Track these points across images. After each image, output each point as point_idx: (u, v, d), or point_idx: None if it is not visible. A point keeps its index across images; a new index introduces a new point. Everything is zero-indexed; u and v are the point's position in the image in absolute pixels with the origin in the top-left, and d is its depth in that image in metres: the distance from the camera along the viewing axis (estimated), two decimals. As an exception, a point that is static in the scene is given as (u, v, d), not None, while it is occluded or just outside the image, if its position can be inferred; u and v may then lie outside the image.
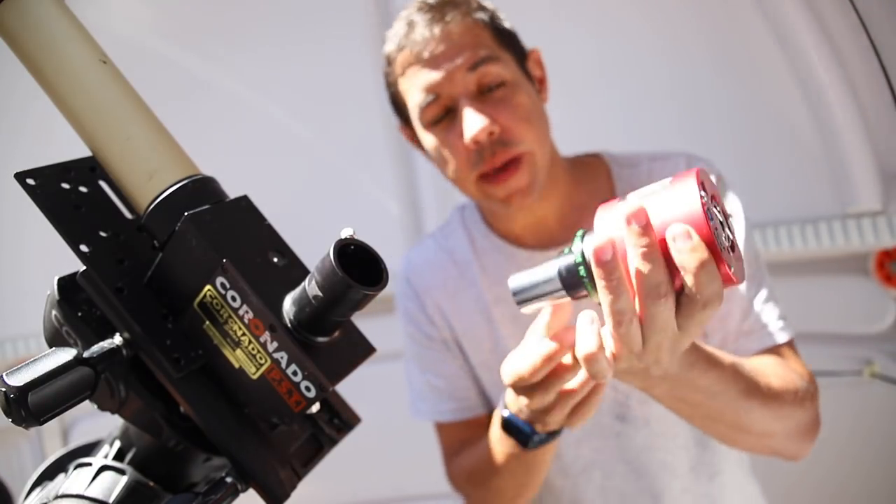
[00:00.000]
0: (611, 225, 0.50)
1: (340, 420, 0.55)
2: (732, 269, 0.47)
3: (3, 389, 0.37)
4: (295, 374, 0.43)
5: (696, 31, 1.43)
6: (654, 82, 1.46)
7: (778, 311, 0.86)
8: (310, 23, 1.60)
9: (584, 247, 0.52)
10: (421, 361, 1.01)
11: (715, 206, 0.48)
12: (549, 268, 0.55)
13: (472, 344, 0.98)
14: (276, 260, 0.48)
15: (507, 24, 0.89)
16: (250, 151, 1.61)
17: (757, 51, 1.39)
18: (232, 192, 0.51)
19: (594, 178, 0.94)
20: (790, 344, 0.86)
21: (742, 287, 0.85)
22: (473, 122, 0.81)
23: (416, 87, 0.85)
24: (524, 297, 0.56)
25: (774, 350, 0.85)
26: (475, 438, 0.91)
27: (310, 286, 0.42)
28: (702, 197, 0.46)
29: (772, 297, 0.87)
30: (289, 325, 0.43)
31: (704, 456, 0.95)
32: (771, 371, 0.77)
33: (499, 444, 0.76)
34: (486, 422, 0.88)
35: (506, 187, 0.83)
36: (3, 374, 0.38)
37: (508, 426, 0.71)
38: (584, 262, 0.52)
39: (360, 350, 0.48)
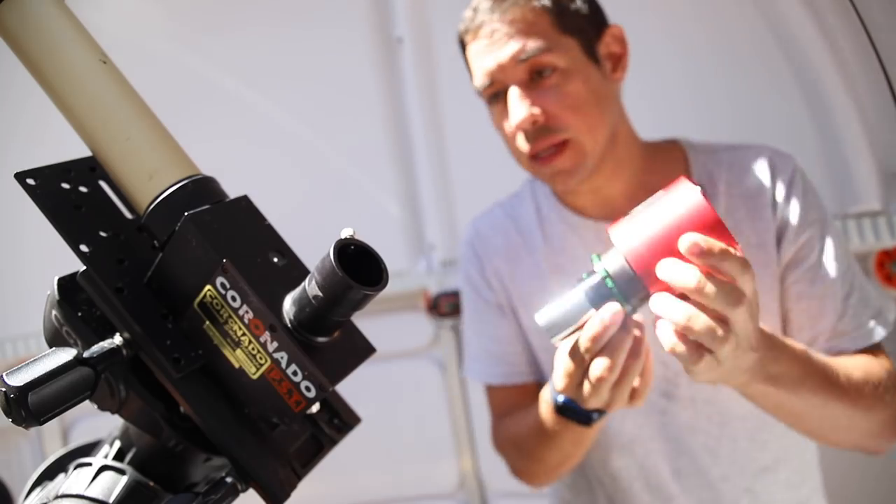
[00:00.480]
0: (629, 239, 0.59)
1: (340, 420, 0.55)
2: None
3: (3, 389, 0.37)
4: (295, 374, 0.43)
5: (695, 31, 1.43)
6: (652, 82, 1.46)
7: (871, 311, 0.87)
8: (311, 23, 1.60)
9: (604, 263, 0.60)
10: (477, 324, 1.05)
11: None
12: (574, 294, 0.60)
13: (527, 310, 1.00)
14: (276, 260, 0.48)
15: (578, 4, 0.88)
16: (250, 151, 1.61)
17: (757, 51, 1.39)
18: (232, 192, 0.51)
19: (669, 162, 0.95)
20: (880, 343, 0.87)
21: (836, 287, 0.86)
22: (516, 111, 0.85)
23: (476, 70, 0.89)
24: (556, 329, 0.61)
25: (867, 351, 0.86)
26: (523, 404, 0.94)
27: (310, 286, 0.42)
28: (702, 189, 0.55)
29: (865, 297, 0.88)
30: (289, 325, 0.43)
31: (753, 451, 0.95)
32: (852, 364, 0.79)
33: (549, 417, 0.79)
34: (535, 389, 0.93)
35: (551, 168, 0.87)
36: (3, 374, 0.38)
37: (564, 410, 0.75)
38: (611, 276, 0.59)
39: (360, 350, 0.48)
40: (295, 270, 0.48)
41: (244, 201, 0.50)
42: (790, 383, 0.69)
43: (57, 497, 0.46)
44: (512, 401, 1.01)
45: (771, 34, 1.36)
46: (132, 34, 1.60)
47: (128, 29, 1.61)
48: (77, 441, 0.55)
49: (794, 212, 0.88)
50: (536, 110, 0.84)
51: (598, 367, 0.64)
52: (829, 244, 0.87)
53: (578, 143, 0.86)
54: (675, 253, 0.57)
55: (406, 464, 1.65)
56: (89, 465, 0.47)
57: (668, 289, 0.59)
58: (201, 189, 0.47)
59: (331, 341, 0.45)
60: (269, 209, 0.53)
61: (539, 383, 1.00)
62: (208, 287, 0.43)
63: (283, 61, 1.62)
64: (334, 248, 0.41)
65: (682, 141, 0.97)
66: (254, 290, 0.43)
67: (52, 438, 1.80)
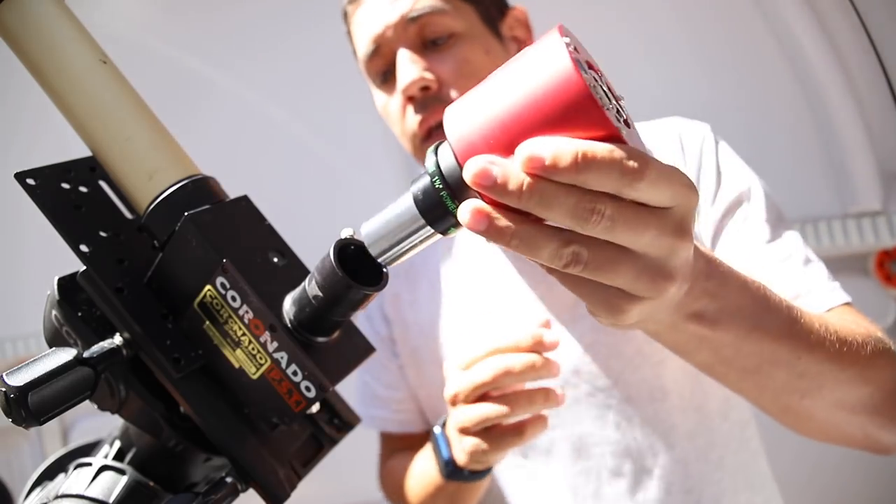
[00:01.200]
0: (470, 130, 0.34)
1: (340, 420, 0.55)
2: (621, 129, 0.33)
3: (3, 389, 0.37)
4: (295, 374, 0.43)
5: (694, 31, 1.43)
6: (652, 82, 1.46)
7: (826, 273, 0.69)
8: (311, 23, 1.60)
9: (438, 157, 0.36)
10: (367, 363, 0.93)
11: (596, 77, 0.34)
12: (403, 199, 0.38)
13: (424, 349, 0.85)
14: (276, 260, 0.48)
15: None
16: (250, 151, 1.61)
17: (757, 51, 1.39)
18: (232, 192, 0.51)
19: None
20: (850, 308, 0.66)
21: (770, 251, 0.70)
22: (406, 73, 0.73)
23: (359, 39, 0.78)
24: (382, 246, 0.39)
25: (833, 312, 0.66)
26: (413, 448, 0.84)
27: (310, 286, 0.42)
28: (568, 46, 0.32)
29: (811, 259, 0.71)
30: (289, 325, 0.43)
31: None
32: (829, 318, 0.57)
33: (427, 472, 0.73)
34: (423, 438, 0.83)
35: None
36: (3, 374, 0.38)
37: (455, 475, 0.66)
38: (441, 174, 0.36)
39: (360, 350, 0.48)
40: (295, 270, 0.48)
41: (244, 201, 0.50)
42: (737, 323, 0.46)
43: (57, 497, 0.46)
44: (403, 445, 0.89)
45: (771, 34, 1.36)
46: (132, 34, 1.60)
47: (128, 29, 1.61)
48: (77, 441, 0.55)
49: (708, 178, 0.74)
50: (429, 74, 0.73)
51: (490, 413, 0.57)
52: (758, 207, 0.73)
53: None
54: (521, 134, 0.33)
55: (406, 464, 1.65)
56: (89, 465, 0.47)
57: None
58: (201, 189, 0.47)
59: (331, 341, 0.45)
60: (268, 209, 0.53)
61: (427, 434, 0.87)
62: (208, 287, 0.43)
63: (283, 61, 1.62)
64: (334, 248, 0.41)
65: None
66: (254, 290, 0.43)
67: (52, 438, 1.80)
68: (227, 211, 0.47)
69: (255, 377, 0.44)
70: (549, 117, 0.31)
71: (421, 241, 0.38)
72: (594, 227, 0.32)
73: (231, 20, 1.62)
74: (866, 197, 1.34)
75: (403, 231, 0.38)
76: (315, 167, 1.66)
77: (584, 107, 0.31)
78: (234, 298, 0.43)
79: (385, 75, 0.77)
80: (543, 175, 0.31)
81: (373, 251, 0.39)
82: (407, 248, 0.38)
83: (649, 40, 1.45)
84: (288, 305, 0.44)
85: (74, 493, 0.45)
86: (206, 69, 1.65)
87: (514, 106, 0.32)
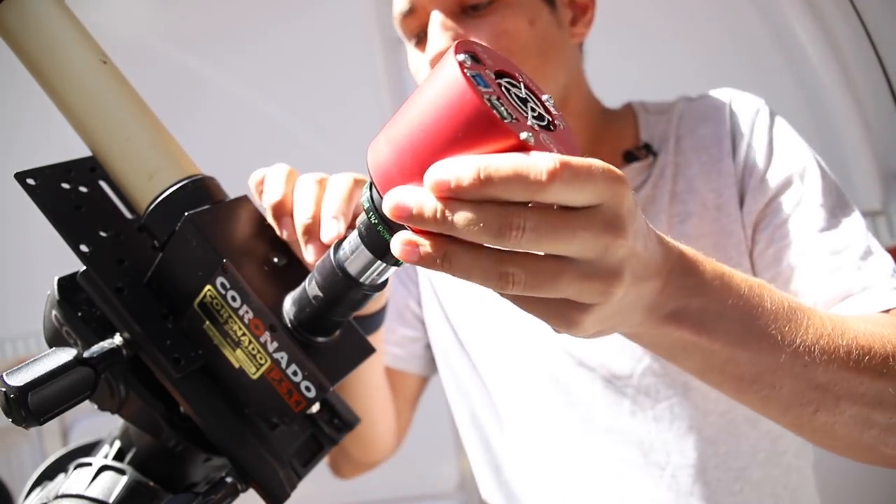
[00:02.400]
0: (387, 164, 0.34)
1: (340, 420, 0.55)
2: (528, 136, 0.31)
3: (3, 389, 0.37)
4: (295, 374, 0.43)
5: (693, 31, 1.43)
6: (650, 82, 1.46)
7: (886, 267, 0.61)
8: (312, 23, 1.60)
9: (371, 192, 0.36)
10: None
11: (510, 83, 0.35)
12: (356, 231, 0.39)
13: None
14: (276, 260, 0.48)
15: None
16: (250, 151, 1.61)
17: (756, 51, 1.39)
18: (232, 192, 0.51)
19: (618, 128, 0.78)
20: None
21: (823, 241, 0.63)
22: (435, 41, 0.66)
23: None
24: (361, 275, 0.41)
25: (892, 313, 0.57)
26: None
27: (310, 286, 0.43)
28: (464, 63, 0.32)
29: (873, 248, 0.63)
30: (289, 325, 0.43)
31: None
32: (861, 318, 0.51)
33: None
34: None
35: None
36: (3, 374, 0.38)
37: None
38: (375, 209, 0.36)
39: (360, 350, 0.48)
40: (295, 270, 0.48)
41: (244, 201, 0.50)
42: (724, 326, 0.42)
43: (57, 497, 0.46)
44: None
45: (771, 34, 1.36)
46: (132, 34, 1.60)
47: (128, 29, 1.61)
48: (77, 441, 0.55)
49: (758, 156, 0.69)
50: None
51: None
52: (811, 189, 0.66)
53: None
54: (433, 158, 0.32)
55: (406, 464, 1.65)
56: (89, 465, 0.47)
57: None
58: (201, 189, 0.47)
59: (331, 341, 0.45)
60: (269, 209, 0.53)
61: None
62: (208, 287, 0.43)
63: (283, 61, 1.62)
64: (333, 249, 0.41)
65: (636, 103, 0.81)
66: (254, 290, 0.43)
67: (52, 438, 1.80)
68: (227, 211, 0.47)
69: (255, 377, 0.44)
70: (452, 138, 0.31)
71: (384, 270, 0.40)
72: (517, 241, 0.31)
73: (231, 20, 1.62)
74: (866, 197, 1.34)
75: (366, 263, 0.40)
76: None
77: (482, 122, 0.31)
78: (234, 298, 0.43)
79: (420, 35, 0.71)
80: (452, 197, 0.30)
81: (358, 278, 0.40)
82: (376, 276, 0.40)
83: (647, 39, 1.45)
84: (288, 305, 0.44)
85: (74, 493, 0.45)
86: (207, 69, 1.65)
87: (419, 131, 0.32)
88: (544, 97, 0.36)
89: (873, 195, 1.34)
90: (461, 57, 0.32)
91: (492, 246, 0.32)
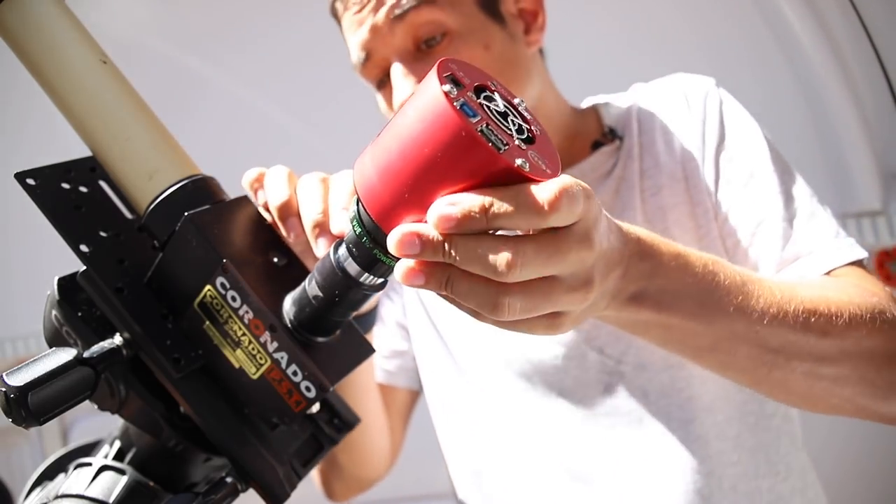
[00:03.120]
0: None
1: (340, 420, 0.55)
2: (523, 162, 0.33)
3: (3, 389, 0.37)
4: (295, 374, 0.43)
5: (694, 31, 1.43)
6: (647, 81, 1.46)
7: (835, 229, 0.66)
8: (312, 23, 1.60)
9: (360, 215, 0.37)
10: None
11: (490, 96, 0.35)
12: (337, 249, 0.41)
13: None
14: (276, 260, 0.48)
15: None
16: (250, 151, 1.61)
17: (756, 50, 1.39)
18: (232, 192, 0.51)
19: (586, 123, 0.81)
20: (858, 266, 0.64)
21: (778, 204, 0.68)
22: (399, 90, 0.68)
23: (351, 45, 0.72)
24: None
25: (832, 274, 0.63)
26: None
27: (310, 286, 0.42)
28: (449, 94, 0.32)
29: (819, 213, 0.68)
30: (289, 325, 0.43)
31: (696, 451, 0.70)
32: (811, 282, 0.57)
33: None
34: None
35: None
36: (3, 374, 0.38)
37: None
38: (361, 221, 0.37)
39: (360, 350, 0.48)
40: (295, 270, 0.48)
41: (244, 201, 0.50)
42: (681, 303, 0.45)
43: (57, 497, 0.46)
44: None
45: (771, 34, 1.36)
46: (132, 34, 1.60)
47: (128, 29, 1.61)
48: (77, 441, 0.55)
49: (712, 130, 0.73)
50: None
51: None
52: (761, 159, 0.71)
53: None
54: (425, 189, 0.34)
55: (406, 464, 1.65)
56: (89, 465, 0.47)
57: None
58: (201, 189, 0.47)
59: (331, 341, 0.45)
60: (269, 209, 0.53)
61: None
62: (208, 287, 0.43)
63: (283, 61, 1.62)
64: (333, 248, 0.41)
65: (596, 101, 0.83)
66: (254, 290, 0.43)
67: (52, 438, 1.80)
68: (227, 211, 0.47)
69: (255, 377, 0.44)
70: (448, 169, 0.33)
71: (378, 287, 0.41)
72: (518, 274, 0.33)
73: (231, 20, 1.62)
74: (866, 197, 1.34)
75: (363, 280, 0.40)
76: (315, 167, 1.66)
77: (481, 158, 0.32)
78: (234, 298, 0.43)
79: (381, 81, 0.74)
80: (455, 231, 0.32)
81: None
82: (375, 277, 0.41)
83: (647, 39, 1.45)
84: (288, 305, 0.44)
85: (74, 493, 0.45)
86: (207, 69, 1.65)
87: (412, 163, 0.33)
88: (516, 101, 0.37)
89: (873, 195, 1.34)
90: (447, 87, 0.33)
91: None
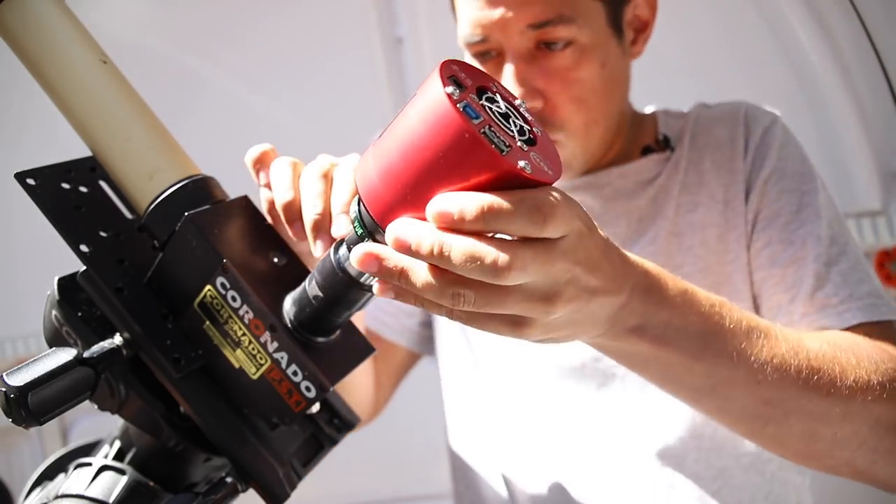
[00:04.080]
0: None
1: (340, 420, 0.55)
2: (525, 164, 0.33)
3: (4, 389, 0.37)
4: (295, 374, 0.43)
5: (694, 31, 1.43)
6: (651, 82, 1.46)
7: (869, 287, 0.64)
8: (312, 23, 1.60)
9: (361, 214, 0.38)
10: None
11: (492, 98, 0.36)
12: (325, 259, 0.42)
13: None
14: (276, 260, 0.48)
15: None
16: (250, 151, 1.61)
17: (756, 50, 1.39)
18: (232, 192, 0.51)
19: (640, 126, 0.82)
20: (885, 327, 0.61)
21: (818, 249, 0.66)
22: (508, 87, 0.66)
23: (466, 15, 0.69)
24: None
25: (857, 330, 0.60)
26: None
27: (310, 286, 0.42)
28: (452, 94, 0.33)
29: (860, 268, 0.66)
30: (289, 325, 0.43)
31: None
32: (824, 336, 0.55)
33: None
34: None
35: None
36: (3, 374, 0.38)
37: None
38: (361, 219, 0.38)
39: (360, 350, 0.48)
40: (295, 270, 0.48)
41: (244, 201, 0.50)
42: (683, 343, 0.44)
43: (57, 497, 0.46)
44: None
45: (771, 34, 1.36)
46: (132, 34, 1.60)
47: (128, 29, 1.61)
48: (77, 441, 0.55)
49: (768, 160, 0.72)
50: (537, 97, 0.67)
51: None
52: (812, 200, 0.69)
53: (569, 148, 0.71)
54: (426, 190, 0.34)
55: (406, 464, 1.65)
56: (89, 465, 0.47)
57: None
58: (201, 189, 0.47)
59: (331, 341, 0.45)
60: (269, 209, 0.53)
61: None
62: (208, 287, 0.43)
63: (283, 61, 1.62)
64: (334, 248, 0.41)
65: (658, 110, 0.84)
66: (254, 290, 0.43)
67: (52, 438, 1.80)
68: (227, 211, 0.47)
69: (255, 377, 0.44)
70: (450, 171, 0.33)
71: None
72: (506, 278, 0.33)
73: (231, 20, 1.62)
74: (866, 197, 1.34)
75: (363, 280, 0.41)
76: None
77: (483, 160, 0.32)
78: (234, 298, 0.43)
79: (484, 55, 0.71)
80: (452, 228, 0.33)
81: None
82: (370, 293, 0.42)
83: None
84: (288, 305, 0.44)
85: (74, 493, 0.45)
86: (207, 69, 1.65)
87: (413, 164, 0.34)
88: (517, 102, 0.37)
89: (873, 195, 1.34)
90: (450, 89, 0.33)
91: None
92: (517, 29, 0.66)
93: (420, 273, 0.35)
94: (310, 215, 0.49)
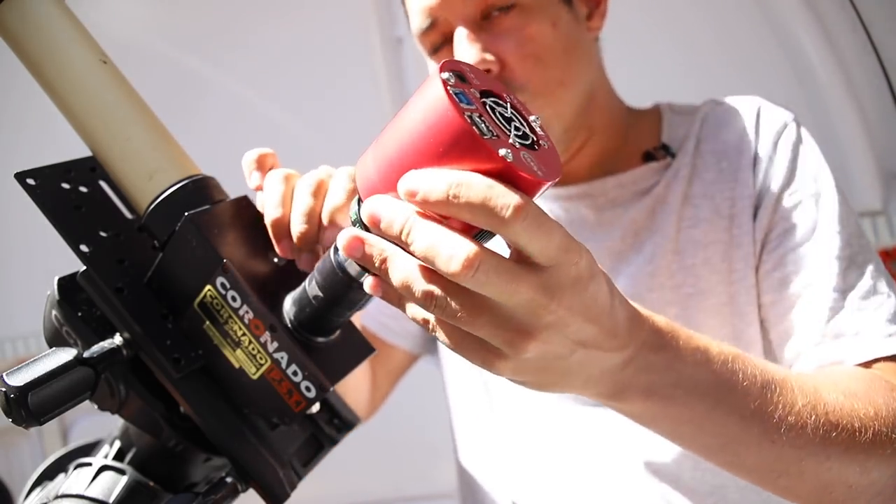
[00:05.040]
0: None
1: (340, 420, 0.55)
2: (507, 152, 0.31)
3: (4, 389, 0.37)
4: (295, 374, 0.43)
5: (694, 31, 1.43)
6: (650, 82, 1.46)
7: (888, 313, 0.60)
8: (312, 23, 1.60)
9: (359, 208, 0.37)
10: None
11: (495, 103, 0.35)
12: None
13: None
14: (276, 260, 0.48)
15: None
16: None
17: (756, 51, 1.39)
18: (232, 192, 0.51)
19: (643, 127, 0.78)
20: None
21: (833, 273, 0.62)
22: (463, 57, 0.65)
23: (414, 9, 0.70)
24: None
25: (872, 365, 0.58)
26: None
27: (310, 286, 0.43)
28: (447, 81, 0.33)
29: (880, 290, 0.61)
30: (289, 325, 0.43)
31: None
32: (838, 383, 0.51)
33: None
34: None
35: None
36: (4, 374, 0.38)
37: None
38: (365, 227, 0.36)
39: (360, 350, 0.48)
40: (295, 270, 0.48)
41: (244, 201, 0.50)
42: (694, 401, 0.42)
43: (57, 497, 0.46)
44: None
45: (771, 34, 1.36)
46: (132, 34, 1.60)
47: (128, 29, 1.61)
48: (77, 441, 0.55)
49: (779, 170, 0.68)
50: (489, 56, 0.65)
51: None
52: (828, 215, 0.64)
53: (539, 105, 0.67)
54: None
55: (406, 464, 1.65)
56: (89, 465, 0.47)
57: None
58: (201, 189, 0.47)
59: (331, 341, 0.45)
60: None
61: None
62: (208, 287, 0.43)
63: (283, 61, 1.62)
64: (334, 249, 0.41)
65: (663, 104, 0.80)
66: (254, 290, 0.43)
67: (52, 438, 1.80)
68: (227, 211, 0.47)
69: (255, 377, 0.44)
70: (433, 153, 0.32)
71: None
72: (466, 278, 0.31)
73: (231, 21, 1.62)
74: (866, 197, 1.34)
75: (363, 281, 0.41)
76: (315, 166, 1.66)
77: (460, 137, 0.31)
78: (234, 298, 0.43)
79: (437, 47, 0.71)
80: (419, 206, 0.32)
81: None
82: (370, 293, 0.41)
83: (646, 40, 1.45)
84: (288, 305, 0.44)
85: (74, 493, 0.45)
86: (206, 69, 1.65)
87: (402, 146, 0.33)
88: (531, 118, 0.36)
89: (873, 195, 1.34)
90: (445, 75, 0.33)
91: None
92: (459, 1, 0.66)
93: (397, 263, 0.34)
94: (295, 231, 0.49)
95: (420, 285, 0.33)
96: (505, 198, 0.30)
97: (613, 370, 0.39)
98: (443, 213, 0.32)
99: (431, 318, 0.36)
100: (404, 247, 0.33)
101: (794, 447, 0.45)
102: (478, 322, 0.34)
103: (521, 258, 0.33)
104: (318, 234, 0.49)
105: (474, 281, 0.31)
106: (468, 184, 0.30)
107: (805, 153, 0.69)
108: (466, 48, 0.65)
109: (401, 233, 0.32)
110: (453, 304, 0.33)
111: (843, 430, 0.46)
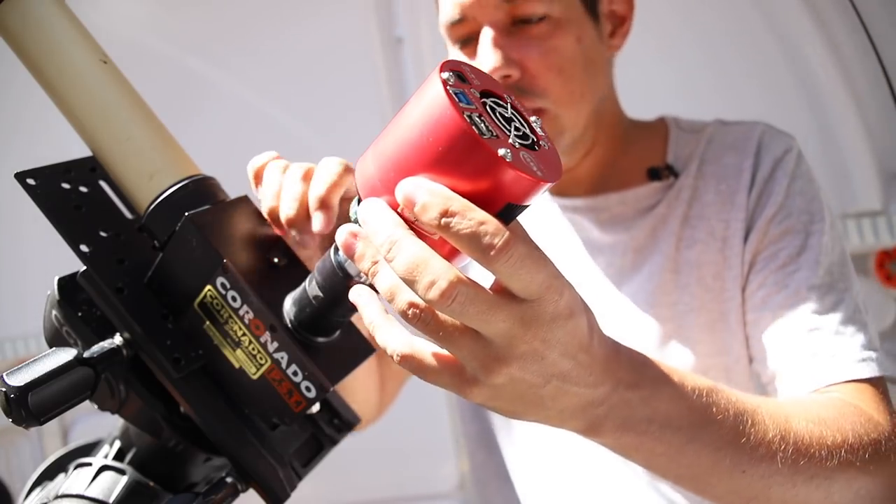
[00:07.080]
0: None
1: (340, 420, 0.55)
2: (506, 152, 0.31)
3: (4, 389, 0.37)
4: (295, 374, 0.43)
5: (694, 31, 1.43)
6: (650, 82, 1.46)
7: (863, 339, 0.63)
8: (312, 23, 1.60)
9: (358, 209, 0.37)
10: None
11: (499, 103, 0.35)
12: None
13: None
14: (276, 260, 0.48)
15: None
16: (250, 152, 1.61)
17: (756, 51, 1.39)
18: (232, 192, 0.51)
19: (649, 140, 0.80)
20: (874, 384, 0.60)
21: (814, 296, 0.65)
22: (486, 58, 0.67)
23: (446, 2, 0.71)
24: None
25: (844, 387, 0.60)
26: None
27: (310, 286, 0.43)
28: (447, 80, 0.33)
29: (856, 318, 0.64)
30: (289, 325, 0.43)
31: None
32: (809, 409, 0.53)
33: None
34: None
35: None
36: (4, 374, 0.38)
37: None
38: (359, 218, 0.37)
39: (360, 350, 0.48)
40: (295, 270, 0.48)
41: (244, 201, 0.50)
42: (668, 435, 0.43)
43: (57, 497, 0.46)
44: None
45: (771, 34, 1.36)
46: (132, 34, 1.60)
47: (128, 29, 1.61)
48: (77, 441, 0.55)
49: (774, 197, 0.70)
50: (512, 64, 0.67)
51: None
52: (815, 242, 0.67)
53: (555, 115, 0.70)
54: (412, 173, 0.34)
55: (406, 464, 1.65)
56: (89, 465, 0.47)
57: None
58: (202, 189, 0.47)
59: (331, 341, 0.45)
60: (269, 209, 0.53)
61: None
62: (208, 287, 0.43)
63: (283, 61, 1.62)
64: (334, 249, 0.41)
65: (669, 118, 0.82)
66: (254, 290, 0.43)
67: (52, 438, 1.80)
68: (228, 211, 0.47)
69: (255, 377, 0.44)
70: (432, 152, 0.32)
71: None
72: (444, 305, 0.32)
73: (231, 20, 1.62)
74: (866, 197, 1.34)
75: (363, 281, 0.41)
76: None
77: (459, 136, 0.31)
78: (234, 298, 0.43)
79: (465, 40, 0.72)
80: (411, 218, 0.33)
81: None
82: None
83: (647, 40, 1.45)
84: (288, 306, 0.44)
85: (74, 493, 0.45)
86: (207, 69, 1.65)
87: (401, 145, 0.34)
88: (532, 119, 0.36)
89: (873, 195, 1.34)
90: (445, 75, 0.33)
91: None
92: (492, 3, 0.67)
93: (385, 272, 0.34)
94: (283, 215, 0.51)
95: (403, 297, 0.34)
96: (493, 237, 0.31)
97: (588, 405, 0.40)
98: (433, 231, 0.33)
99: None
100: (387, 260, 0.33)
101: (764, 476, 0.46)
102: (456, 343, 0.35)
103: (502, 288, 0.34)
104: (307, 218, 0.51)
105: (450, 310, 0.32)
106: (462, 214, 0.31)
107: (801, 180, 0.72)
108: (490, 52, 0.67)
109: (383, 247, 0.33)
110: (433, 322, 0.34)
111: (811, 459, 0.48)
